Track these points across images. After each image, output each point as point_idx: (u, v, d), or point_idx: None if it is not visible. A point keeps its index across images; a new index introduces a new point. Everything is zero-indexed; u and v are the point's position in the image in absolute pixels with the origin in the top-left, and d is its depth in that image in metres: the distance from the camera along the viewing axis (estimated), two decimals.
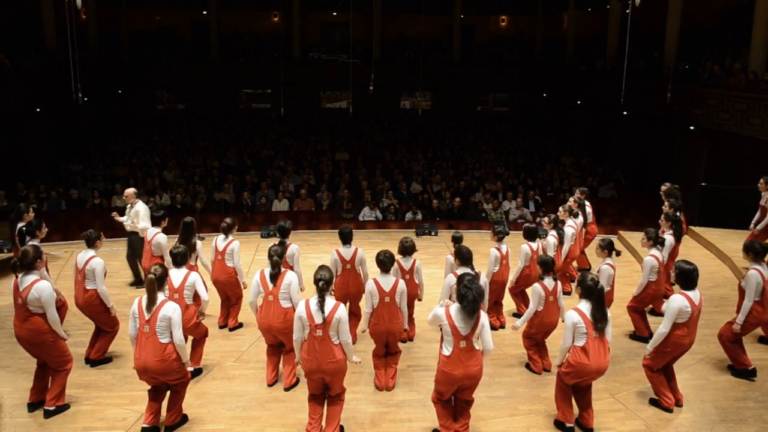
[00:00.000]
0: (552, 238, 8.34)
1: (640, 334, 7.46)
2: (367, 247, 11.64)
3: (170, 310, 5.18)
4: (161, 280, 5.32)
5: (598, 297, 5.23)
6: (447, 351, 4.91)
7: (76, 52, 11.40)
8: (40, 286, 5.50)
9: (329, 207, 15.12)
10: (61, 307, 7.12)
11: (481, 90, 26.59)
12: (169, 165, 17.63)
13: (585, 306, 5.27)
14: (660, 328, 5.68)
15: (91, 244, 6.65)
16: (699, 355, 7.03)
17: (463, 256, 6.47)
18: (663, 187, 9.66)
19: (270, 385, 6.28)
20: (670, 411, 5.82)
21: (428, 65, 23.37)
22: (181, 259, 6.33)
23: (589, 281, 5.31)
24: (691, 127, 15.19)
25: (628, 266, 10.26)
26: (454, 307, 4.91)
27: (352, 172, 17.74)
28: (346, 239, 7.22)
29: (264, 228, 12.22)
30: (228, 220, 7.75)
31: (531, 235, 7.95)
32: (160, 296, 5.24)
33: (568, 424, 5.48)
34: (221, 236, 7.67)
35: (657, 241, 7.35)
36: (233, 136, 21.40)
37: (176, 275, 6.25)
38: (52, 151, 18.77)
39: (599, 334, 5.20)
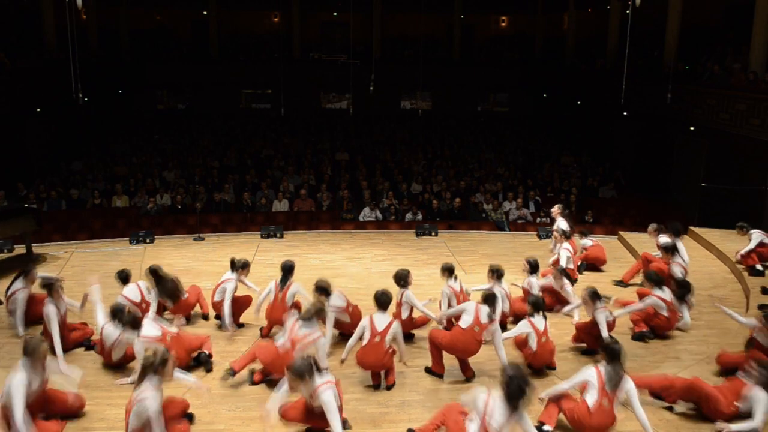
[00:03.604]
0: (535, 281, 8.06)
1: (639, 330, 7.49)
2: (367, 247, 11.68)
3: (145, 406, 4.70)
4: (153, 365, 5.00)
5: (618, 359, 5.22)
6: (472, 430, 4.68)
7: (76, 52, 11.39)
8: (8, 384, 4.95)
9: (329, 207, 15.13)
10: (71, 332, 7.02)
11: (481, 90, 26.56)
12: (169, 165, 17.64)
13: (604, 368, 5.26)
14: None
15: (121, 321, 6.38)
16: (699, 356, 7.04)
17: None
18: (652, 230, 9.57)
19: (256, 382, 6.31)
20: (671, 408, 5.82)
21: (428, 65, 23.33)
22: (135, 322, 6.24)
23: (613, 345, 5.32)
24: (691, 127, 15.19)
25: (628, 267, 10.25)
26: (496, 396, 4.62)
27: (352, 172, 17.74)
28: (382, 305, 6.41)
29: (264, 228, 12.21)
30: (239, 259, 7.68)
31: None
32: (146, 383, 4.86)
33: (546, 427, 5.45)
34: (228, 272, 7.60)
35: (657, 283, 7.41)
36: (233, 136, 21.40)
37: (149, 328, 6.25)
38: (52, 151, 18.77)
39: (608, 402, 5.13)
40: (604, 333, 6.63)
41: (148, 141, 20.74)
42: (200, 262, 10.56)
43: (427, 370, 6.67)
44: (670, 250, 8.42)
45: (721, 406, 5.45)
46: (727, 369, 6.38)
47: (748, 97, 13.08)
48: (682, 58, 16.91)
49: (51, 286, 6.75)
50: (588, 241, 10.27)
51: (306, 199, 15.11)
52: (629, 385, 5.20)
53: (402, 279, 7.18)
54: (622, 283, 9.44)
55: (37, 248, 10.71)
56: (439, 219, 14.06)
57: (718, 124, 14.04)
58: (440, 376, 6.57)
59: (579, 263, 9.94)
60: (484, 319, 6.29)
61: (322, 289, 6.98)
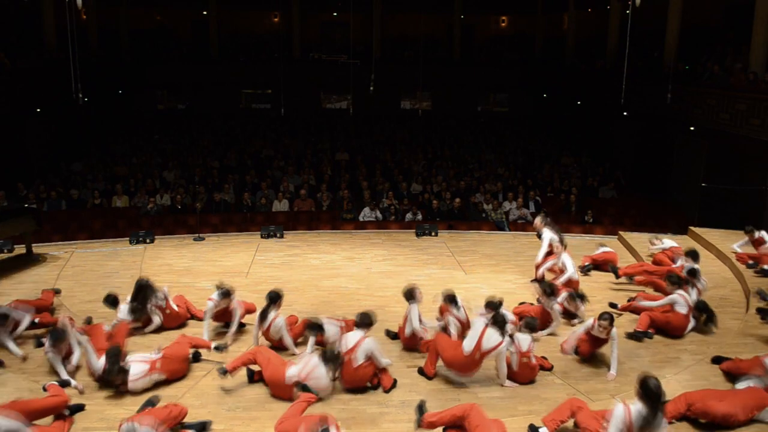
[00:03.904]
0: (557, 306, 7.83)
1: (639, 329, 7.50)
2: (367, 247, 11.68)
3: None
4: None
5: (658, 405, 4.78)
6: None
7: (76, 52, 11.39)
8: None
9: (329, 207, 15.12)
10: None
11: (481, 90, 26.57)
12: (169, 165, 17.64)
13: (637, 407, 4.83)
14: None
15: (111, 372, 6.14)
16: (699, 356, 7.03)
17: None
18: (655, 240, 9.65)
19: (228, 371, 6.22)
20: None
21: (428, 65, 23.33)
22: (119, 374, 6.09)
23: (653, 385, 4.83)
24: (691, 127, 15.20)
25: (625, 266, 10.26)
26: None
27: (352, 172, 17.74)
28: (359, 325, 6.45)
29: (264, 228, 12.22)
30: (225, 287, 7.44)
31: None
32: None
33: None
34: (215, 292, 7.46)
35: (679, 284, 7.61)
36: (233, 136, 21.39)
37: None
38: (52, 151, 18.77)
39: None
40: (615, 354, 6.59)
41: (148, 141, 20.73)
42: (200, 262, 10.56)
43: (420, 371, 6.67)
44: (693, 274, 8.33)
45: (739, 417, 5.42)
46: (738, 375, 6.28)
47: (748, 97, 13.07)
48: (682, 58, 16.90)
49: (58, 343, 6.42)
50: (607, 248, 10.39)
51: (306, 199, 15.10)
52: (664, 428, 4.81)
53: (407, 294, 7.09)
54: (616, 271, 9.42)
55: (37, 248, 10.72)
56: (439, 219, 14.06)
57: (718, 124, 14.03)
58: (429, 378, 6.56)
59: (586, 264, 10.04)
60: (486, 346, 6.19)
61: (315, 327, 6.78)
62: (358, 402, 6.07)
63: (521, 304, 8.54)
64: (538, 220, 9.80)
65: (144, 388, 6.15)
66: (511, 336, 6.35)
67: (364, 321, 6.43)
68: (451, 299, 7.19)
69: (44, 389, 5.88)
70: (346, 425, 5.60)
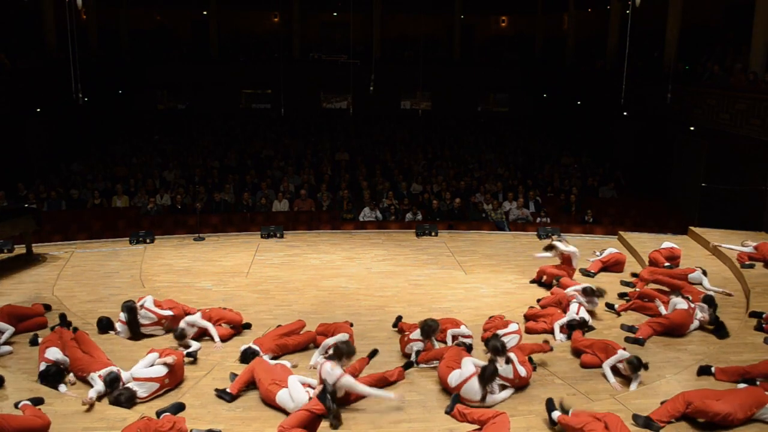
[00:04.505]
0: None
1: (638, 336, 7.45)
2: (367, 247, 11.69)
3: None
4: None
5: None
6: None
7: (76, 52, 11.39)
8: None
9: (329, 207, 15.13)
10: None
11: (481, 90, 26.58)
12: (169, 165, 17.64)
13: None
14: None
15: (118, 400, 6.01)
16: (699, 356, 7.03)
17: None
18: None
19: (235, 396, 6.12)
20: None
21: (428, 65, 23.34)
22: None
23: None
24: (691, 128, 15.19)
25: (630, 267, 10.27)
26: None
27: (352, 172, 17.74)
28: (336, 354, 6.16)
29: (264, 228, 12.23)
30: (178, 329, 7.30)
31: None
32: None
33: None
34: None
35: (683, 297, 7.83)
36: (233, 136, 21.39)
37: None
38: (52, 151, 18.77)
39: None
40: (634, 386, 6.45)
41: (148, 141, 20.73)
42: (200, 262, 10.57)
43: (418, 353, 6.84)
44: (707, 302, 8.10)
45: (737, 416, 5.40)
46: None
47: (748, 97, 13.06)
48: (682, 58, 16.90)
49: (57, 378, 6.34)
50: (613, 249, 10.48)
51: (306, 199, 15.10)
52: None
53: (425, 330, 6.88)
54: (630, 285, 9.40)
55: (37, 248, 10.73)
56: (439, 219, 14.05)
57: (718, 124, 14.02)
58: (407, 358, 6.80)
59: (591, 271, 10.04)
60: (465, 395, 5.97)
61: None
62: (358, 402, 6.05)
63: (531, 308, 8.53)
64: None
65: None
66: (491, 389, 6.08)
67: (337, 352, 6.08)
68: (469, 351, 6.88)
69: (16, 406, 5.60)
70: (347, 425, 5.61)
